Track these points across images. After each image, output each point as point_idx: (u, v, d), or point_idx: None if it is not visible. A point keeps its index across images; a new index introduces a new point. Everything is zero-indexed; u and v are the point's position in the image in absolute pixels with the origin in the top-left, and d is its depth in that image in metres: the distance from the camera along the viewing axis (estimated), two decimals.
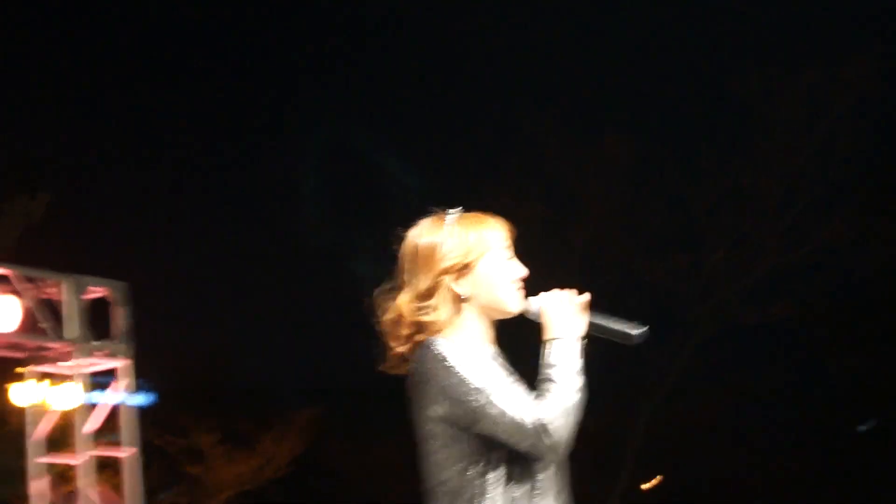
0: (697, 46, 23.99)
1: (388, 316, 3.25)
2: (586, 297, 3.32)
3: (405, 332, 3.23)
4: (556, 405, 3.07)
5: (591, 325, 3.31)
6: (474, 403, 3.06)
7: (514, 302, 3.28)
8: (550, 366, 3.15)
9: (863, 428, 30.20)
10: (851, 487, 27.39)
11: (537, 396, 3.10)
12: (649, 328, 3.37)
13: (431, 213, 3.34)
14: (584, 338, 3.28)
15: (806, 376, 27.54)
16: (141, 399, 23.44)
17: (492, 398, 3.06)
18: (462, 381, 3.08)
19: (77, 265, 11.71)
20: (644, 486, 29.22)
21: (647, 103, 24.07)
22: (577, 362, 3.19)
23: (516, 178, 22.44)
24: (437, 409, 3.11)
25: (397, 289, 3.27)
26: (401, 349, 3.24)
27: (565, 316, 3.24)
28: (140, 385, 22.30)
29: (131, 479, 11.39)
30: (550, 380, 3.11)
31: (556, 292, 3.30)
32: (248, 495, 21.45)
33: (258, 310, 26.64)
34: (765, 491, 28.06)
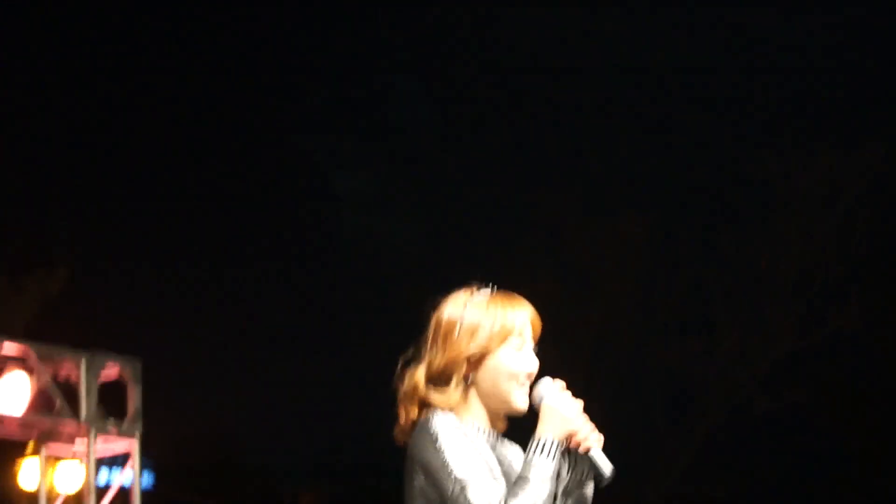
0: (715, 126, 23.81)
1: (404, 387, 3.26)
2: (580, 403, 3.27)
3: (415, 405, 3.24)
4: None
5: (575, 453, 3.29)
6: (447, 491, 3.07)
7: (518, 400, 3.27)
8: (530, 464, 3.13)
9: None
10: None
11: (509, 493, 3.10)
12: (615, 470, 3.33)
13: (467, 285, 3.32)
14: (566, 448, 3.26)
15: (817, 462, 27.15)
16: (148, 479, 22.99)
17: (466, 491, 3.06)
18: (444, 465, 3.09)
19: (88, 341, 11.25)
20: None
21: (663, 182, 23.81)
22: (552, 467, 3.16)
23: (531, 254, 22.14)
24: (418, 484, 3.12)
25: (418, 360, 3.28)
26: (408, 423, 3.26)
27: (562, 417, 3.21)
28: (145, 463, 21.86)
29: None
30: (526, 479, 3.10)
31: (560, 390, 3.27)
32: None
33: (265, 389, 26.25)
34: None
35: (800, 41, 23.84)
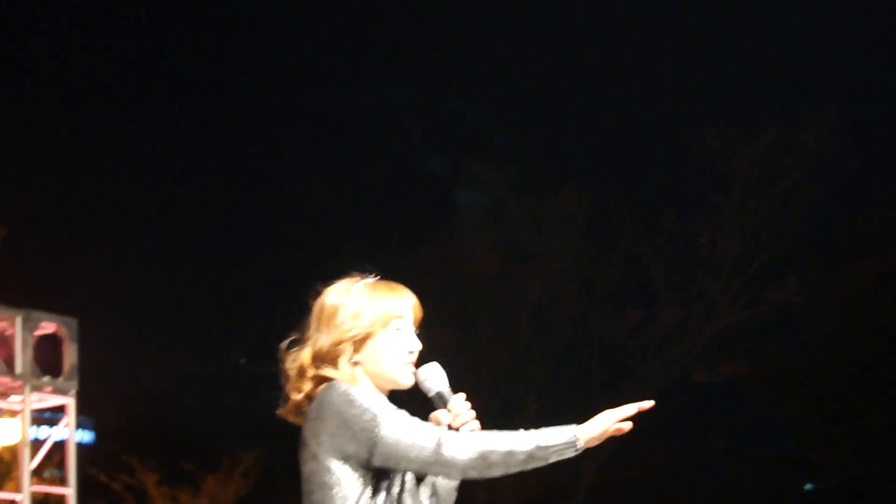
0: (659, 105, 24.12)
1: (291, 366, 3.47)
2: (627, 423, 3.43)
3: (306, 383, 3.44)
4: (477, 442, 3.23)
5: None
6: (375, 428, 3.25)
7: (401, 377, 3.47)
8: (539, 433, 3.27)
9: (808, 487, 30.18)
10: None
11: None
12: None
13: (350, 274, 3.53)
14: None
15: (752, 435, 27.54)
16: (85, 436, 23.22)
17: (392, 421, 3.26)
18: (364, 410, 3.27)
19: (26, 300, 11.50)
20: None
21: (607, 158, 24.14)
22: (545, 456, 3.29)
23: (473, 228, 22.41)
24: (335, 443, 3.29)
25: (304, 341, 3.48)
26: (299, 399, 3.44)
27: (600, 433, 3.39)
28: (85, 422, 22.13)
29: None
30: (516, 435, 3.25)
31: (612, 413, 3.42)
32: None
33: (205, 350, 26.43)
34: None
35: (745, 22, 24.20)
